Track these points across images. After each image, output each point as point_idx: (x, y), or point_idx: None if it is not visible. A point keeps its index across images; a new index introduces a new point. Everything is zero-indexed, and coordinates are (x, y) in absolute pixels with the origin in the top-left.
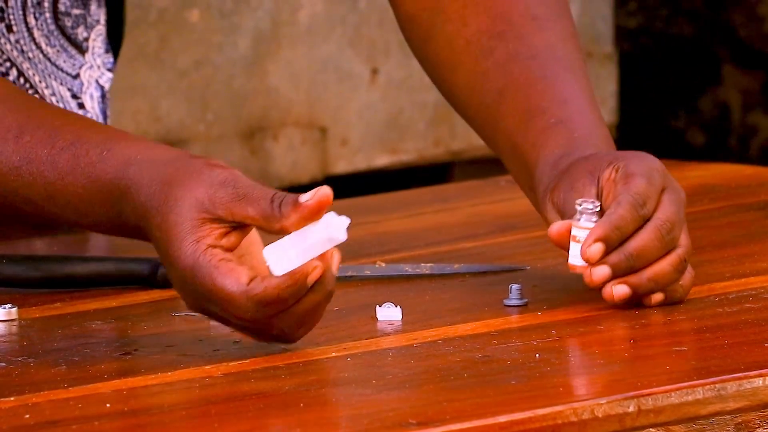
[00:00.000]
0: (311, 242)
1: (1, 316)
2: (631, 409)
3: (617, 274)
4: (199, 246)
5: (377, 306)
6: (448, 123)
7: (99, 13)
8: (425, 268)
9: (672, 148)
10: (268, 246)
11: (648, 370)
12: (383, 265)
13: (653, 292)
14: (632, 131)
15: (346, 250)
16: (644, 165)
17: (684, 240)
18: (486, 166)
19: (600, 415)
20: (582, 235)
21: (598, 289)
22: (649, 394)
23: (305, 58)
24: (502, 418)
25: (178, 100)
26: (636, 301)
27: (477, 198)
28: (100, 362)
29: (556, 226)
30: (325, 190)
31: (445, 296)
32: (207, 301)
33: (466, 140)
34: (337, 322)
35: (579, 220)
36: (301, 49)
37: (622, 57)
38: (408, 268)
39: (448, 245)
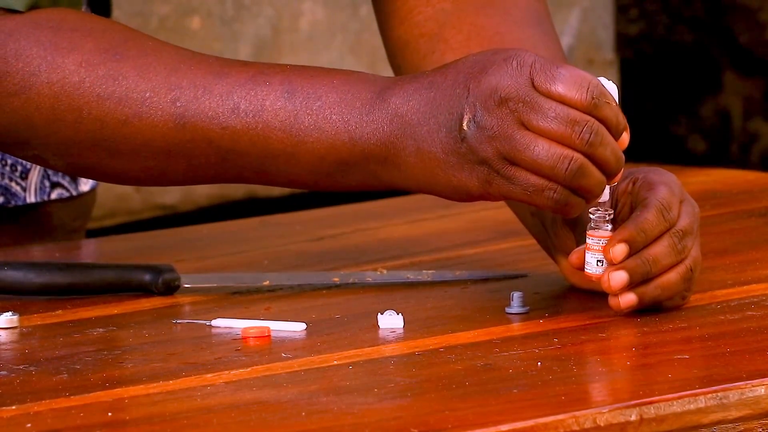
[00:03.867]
0: None
1: (3, 324)
2: (633, 417)
3: (634, 280)
4: None
5: (379, 314)
6: None
7: None
8: (427, 275)
9: (673, 155)
10: None
11: (650, 379)
12: (385, 272)
13: (658, 301)
14: (633, 138)
15: (347, 255)
16: (665, 176)
17: (695, 251)
18: None
19: (602, 424)
20: (596, 243)
21: (604, 294)
22: (651, 403)
23: (306, 65)
24: (504, 427)
25: None
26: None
27: (478, 204)
28: (101, 370)
29: (579, 252)
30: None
31: (447, 304)
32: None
33: None
34: (339, 329)
35: (594, 228)
36: (302, 56)
37: (623, 64)
38: (410, 275)
39: (449, 251)
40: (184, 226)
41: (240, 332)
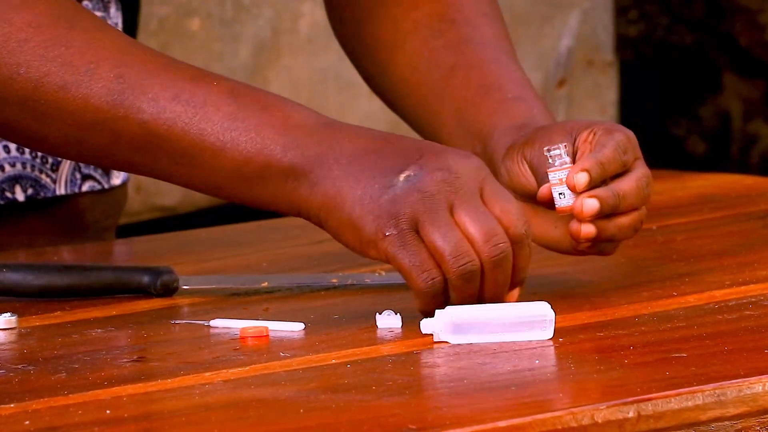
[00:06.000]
0: None
1: (2, 325)
2: (630, 414)
3: (603, 210)
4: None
5: (377, 314)
6: None
7: (117, 16)
8: None
9: (673, 157)
10: None
11: (648, 376)
12: (383, 273)
13: (610, 242)
14: None
15: (346, 258)
16: (624, 130)
17: (644, 209)
18: None
19: (600, 421)
20: (560, 176)
21: (602, 294)
22: (648, 400)
23: (306, 66)
24: (502, 423)
25: None
26: (592, 252)
27: None
28: (100, 369)
29: (545, 188)
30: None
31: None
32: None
33: None
34: (337, 329)
35: (554, 164)
36: (302, 57)
37: (622, 65)
38: None
39: None
40: (183, 230)
41: (238, 332)
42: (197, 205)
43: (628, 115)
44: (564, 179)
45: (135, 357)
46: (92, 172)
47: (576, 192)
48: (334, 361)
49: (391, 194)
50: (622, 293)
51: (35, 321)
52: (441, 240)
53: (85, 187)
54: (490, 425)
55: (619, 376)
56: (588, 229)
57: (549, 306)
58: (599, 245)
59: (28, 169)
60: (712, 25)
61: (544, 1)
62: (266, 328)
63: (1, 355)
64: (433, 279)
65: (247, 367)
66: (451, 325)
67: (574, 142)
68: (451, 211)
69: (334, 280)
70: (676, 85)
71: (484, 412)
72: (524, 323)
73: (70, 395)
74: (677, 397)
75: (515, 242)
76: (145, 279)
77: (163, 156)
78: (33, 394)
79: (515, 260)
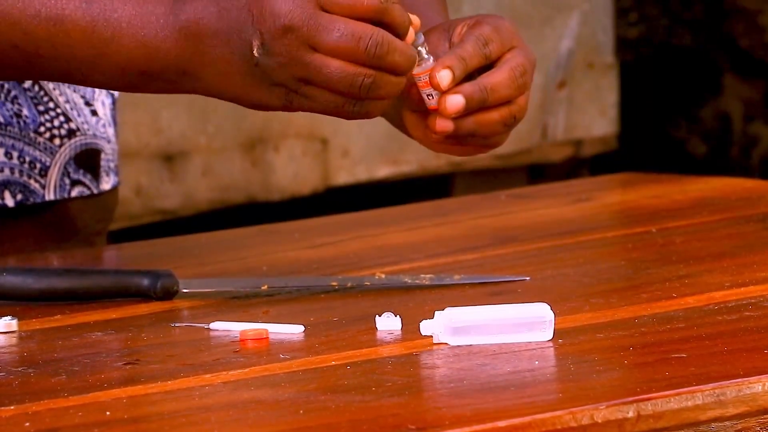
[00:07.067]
0: None
1: (2, 328)
2: (630, 414)
3: (470, 106)
4: None
5: (377, 316)
6: None
7: None
8: (425, 279)
9: (673, 158)
10: None
11: (647, 376)
12: (383, 276)
13: (471, 135)
14: (633, 141)
15: (345, 261)
16: (494, 21)
17: (521, 101)
18: (487, 177)
19: (599, 421)
20: (421, 79)
21: (602, 295)
22: (648, 399)
23: None
24: (501, 423)
25: (179, 112)
26: (462, 148)
27: (477, 212)
28: (99, 372)
29: (412, 91)
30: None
31: (445, 306)
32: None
33: None
34: (337, 331)
35: (419, 65)
36: None
37: (622, 67)
38: (407, 279)
39: (447, 257)
40: (183, 235)
41: (238, 335)
42: (198, 209)
43: (628, 117)
44: (427, 80)
45: (135, 359)
46: (81, 178)
47: (441, 91)
48: (333, 362)
49: (260, 71)
50: (621, 295)
51: (35, 324)
52: (328, 79)
53: (74, 193)
54: (489, 425)
55: (619, 377)
56: (443, 124)
57: (549, 307)
58: (471, 139)
59: (17, 175)
60: (712, 27)
61: (544, 3)
62: (266, 330)
63: (1, 358)
64: (353, 105)
65: (247, 369)
66: (451, 326)
67: (450, 38)
68: (315, 48)
69: (334, 283)
70: (676, 87)
71: (484, 413)
72: (524, 324)
73: (70, 397)
74: (677, 397)
75: (383, 16)
76: (145, 282)
77: (51, 72)
78: (33, 396)
79: (392, 26)
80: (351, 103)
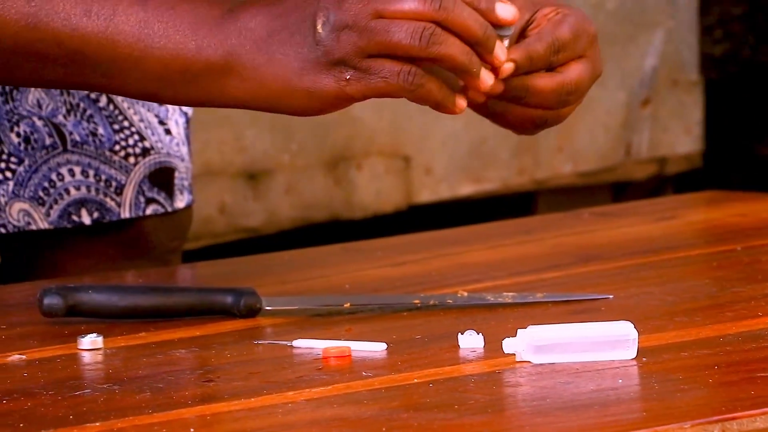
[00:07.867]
0: None
1: (87, 345)
2: None
3: (504, 97)
4: None
5: (459, 333)
6: (532, 152)
7: None
8: (507, 297)
9: (759, 177)
10: None
11: (732, 395)
12: (465, 294)
13: (527, 96)
14: (718, 159)
15: (428, 279)
16: (579, 23)
17: (562, 111)
18: (570, 195)
19: None
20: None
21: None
22: (733, 419)
23: None
24: None
25: (263, 130)
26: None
27: (559, 230)
28: (183, 389)
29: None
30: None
31: (527, 324)
32: None
33: (551, 169)
34: (420, 349)
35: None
36: None
37: (707, 85)
38: (490, 297)
39: (530, 275)
40: (266, 253)
41: (321, 352)
42: (281, 227)
43: (713, 135)
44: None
45: (218, 377)
46: (155, 196)
47: (498, 76)
48: (416, 380)
49: (322, 49)
50: (706, 313)
51: (120, 342)
52: (390, 39)
53: (149, 211)
54: None
55: (704, 395)
56: (487, 78)
57: (632, 325)
58: (509, 106)
59: (93, 193)
60: None
61: (628, 21)
62: (349, 348)
63: (86, 375)
64: (411, 74)
65: (330, 387)
66: (534, 344)
67: (535, 12)
68: (381, 14)
69: (416, 301)
70: (762, 104)
71: (567, 430)
72: (607, 343)
73: (155, 414)
74: (762, 417)
75: None
76: (229, 300)
77: (88, 71)
78: (118, 413)
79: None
80: (408, 70)
